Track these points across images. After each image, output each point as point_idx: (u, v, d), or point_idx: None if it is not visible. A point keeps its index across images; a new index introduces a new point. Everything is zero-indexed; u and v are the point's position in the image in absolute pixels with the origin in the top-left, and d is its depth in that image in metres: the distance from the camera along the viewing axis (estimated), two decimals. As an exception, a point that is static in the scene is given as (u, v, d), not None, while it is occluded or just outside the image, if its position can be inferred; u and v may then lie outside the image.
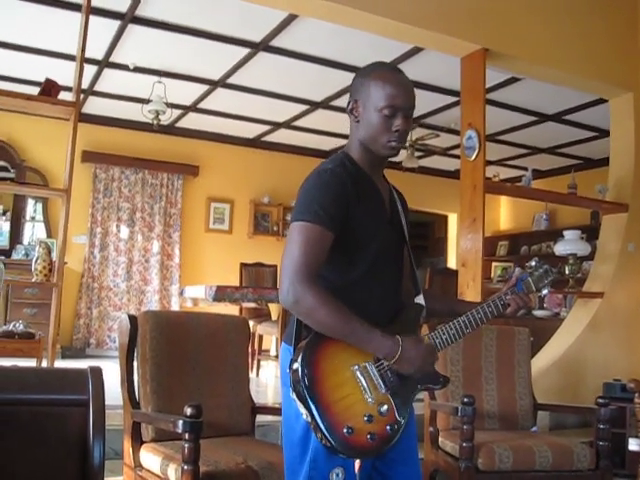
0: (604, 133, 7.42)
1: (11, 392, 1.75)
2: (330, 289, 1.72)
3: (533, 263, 2.03)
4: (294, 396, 1.68)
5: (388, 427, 1.73)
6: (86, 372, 1.87)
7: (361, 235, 1.81)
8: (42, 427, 1.75)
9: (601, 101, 6.48)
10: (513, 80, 6.48)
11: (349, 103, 1.88)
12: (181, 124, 8.53)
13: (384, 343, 1.70)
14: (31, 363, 4.37)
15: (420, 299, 1.96)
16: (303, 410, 1.66)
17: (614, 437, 3.46)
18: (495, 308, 1.93)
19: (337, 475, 1.73)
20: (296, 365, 1.69)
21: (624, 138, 5.82)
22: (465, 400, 3.08)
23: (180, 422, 2.28)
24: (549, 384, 4.97)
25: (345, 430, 1.66)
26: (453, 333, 1.88)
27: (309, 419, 1.66)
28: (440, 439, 3.51)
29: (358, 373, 1.73)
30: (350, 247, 1.80)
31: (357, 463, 1.74)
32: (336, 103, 7.44)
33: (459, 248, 5.26)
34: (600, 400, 3.32)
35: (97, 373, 1.88)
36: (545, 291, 2.01)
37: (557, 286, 7.66)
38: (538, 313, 7.88)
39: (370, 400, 1.72)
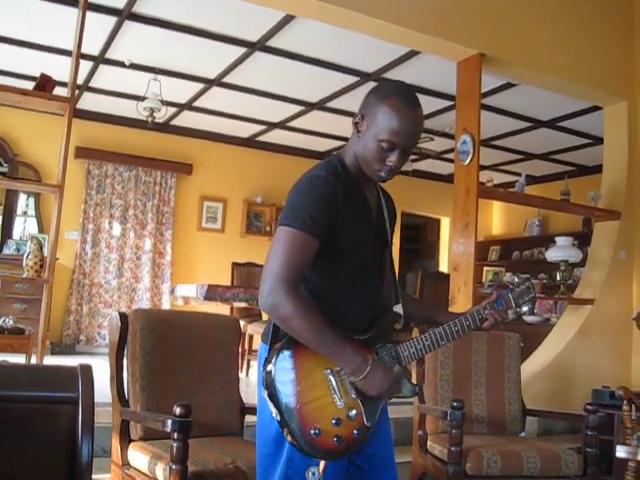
0: (598, 140, 7.44)
1: (1, 389, 1.74)
2: (311, 294, 1.79)
3: (516, 279, 2.05)
4: (266, 395, 1.73)
5: (355, 431, 1.77)
6: (76, 370, 1.87)
7: (347, 245, 1.83)
8: (32, 424, 1.74)
9: (595, 108, 6.51)
10: (508, 85, 6.49)
11: (357, 115, 1.85)
12: (176, 122, 8.51)
13: (353, 360, 1.74)
14: (20, 359, 4.36)
15: (398, 308, 1.99)
16: (274, 409, 1.71)
17: (602, 444, 3.47)
18: (472, 322, 1.97)
19: (313, 474, 1.75)
20: (270, 367, 1.74)
21: (618, 146, 5.84)
22: (454, 404, 3.09)
23: (169, 421, 2.27)
24: (538, 390, 4.98)
25: (312, 431, 1.70)
26: (428, 344, 1.91)
27: (279, 418, 1.71)
28: (429, 443, 3.52)
29: (330, 377, 1.76)
30: (335, 255, 1.83)
31: (322, 464, 1.76)
32: (331, 105, 7.44)
33: (451, 252, 5.27)
34: (589, 407, 3.34)
35: (87, 371, 1.87)
36: (525, 308, 2.05)
37: (548, 292, 7.70)
38: (529, 319, 7.90)
39: (339, 404, 1.76)
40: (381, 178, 1.86)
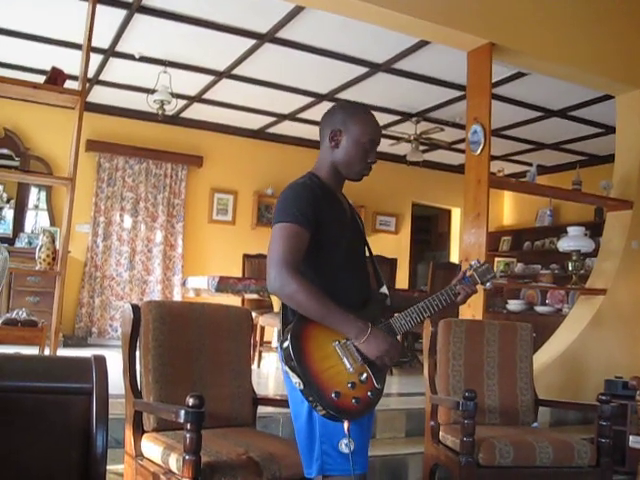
0: (610, 129, 7.39)
1: (16, 379, 1.76)
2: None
3: (473, 263, 2.36)
4: (287, 369, 1.99)
5: (369, 393, 2.03)
6: (90, 361, 1.88)
7: (332, 234, 2.13)
8: (46, 415, 1.75)
9: (607, 97, 6.46)
10: (519, 75, 6.45)
11: (331, 132, 2.20)
12: (186, 114, 8.52)
13: (355, 324, 2.01)
14: (34, 351, 4.37)
15: (384, 289, 2.29)
16: (296, 379, 1.96)
17: (615, 434, 3.47)
18: (447, 296, 2.25)
19: (346, 445, 1.99)
20: (286, 343, 1.99)
21: (630, 135, 5.80)
22: (466, 395, 3.09)
23: (182, 412, 2.28)
24: (551, 380, 4.97)
25: (333, 394, 1.96)
26: (415, 316, 2.18)
27: (302, 387, 1.96)
28: (441, 433, 3.52)
29: (338, 348, 2.02)
30: (323, 245, 2.10)
31: (346, 425, 1.97)
32: (341, 95, 7.42)
33: (462, 242, 5.25)
34: (602, 397, 3.32)
35: (101, 362, 1.88)
36: (489, 284, 2.34)
37: (560, 282, 7.66)
38: (540, 309, 7.90)
39: (351, 370, 2.01)
40: (363, 175, 2.25)
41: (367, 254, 2.35)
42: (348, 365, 2.01)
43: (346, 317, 2.00)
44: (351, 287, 2.17)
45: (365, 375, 2.03)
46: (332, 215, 2.16)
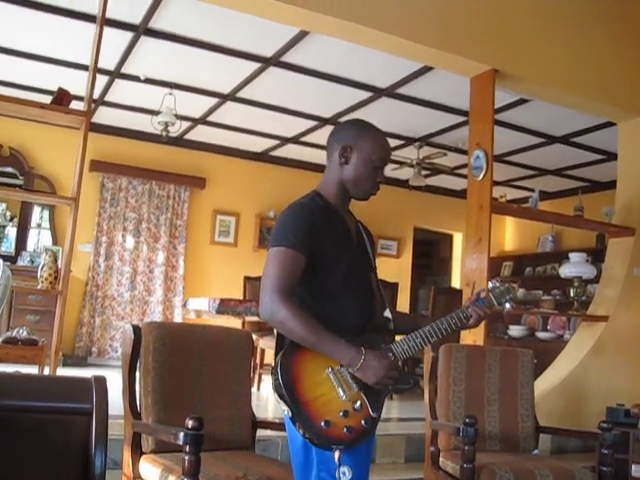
0: (612, 156, 7.42)
1: (16, 399, 1.75)
2: (304, 306, 2.01)
3: (490, 285, 2.25)
4: (276, 397, 1.94)
5: (363, 421, 1.97)
6: (90, 381, 1.87)
7: (330, 257, 2.08)
8: (45, 435, 1.75)
9: (609, 124, 6.49)
10: (522, 101, 6.49)
11: (341, 148, 2.14)
12: (190, 136, 8.56)
13: (347, 351, 1.95)
14: (33, 370, 4.36)
15: (387, 313, 2.21)
16: (285, 407, 1.92)
17: (617, 463, 3.43)
18: (458, 319, 2.15)
19: (344, 473, 1.93)
20: (275, 372, 1.96)
21: (632, 162, 5.82)
22: (467, 420, 3.07)
23: (181, 434, 2.27)
24: (552, 407, 4.94)
25: (323, 423, 1.91)
26: (419, 341, 2.10)
27: (290, 414, 1.92)
28: (441, 459, 3.49)
29: (331, 375, 1.98)
30: (320, 269, 2.06)
31: (336, 454, 1.92)
32: (344, 120, 7.44)
33: (464, 267, 5.25)
34: (603, 425, 3.30)
35: (101, 382, 1.88)
36: (507, 305, 2.25)
37: (561, 309, 7.65)
38: (542, 335, 7.87)
39: (344, 397, 1.96)
40: (371, 195, 2.20)
41: (374, 275, 2.26)
42: (341, 393, 1.96)
43: (338, 344, 1.95)
44: (351, 311, 2.10)
45: (359, 403, 1.97)
46: (332, 237, 2.10)
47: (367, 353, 1.96)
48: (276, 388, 1.94)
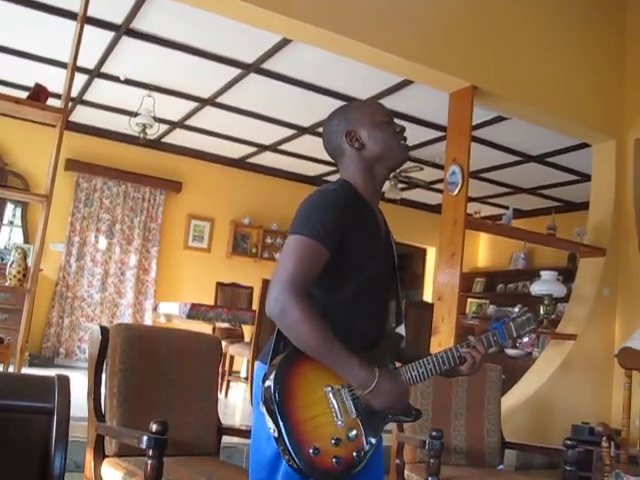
0: (585, 177, 7.51)
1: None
2: (317, 307, 1.70)
3: (517, 309, 2.01)
4: (264, 410, 1.65)
5: (354, 453, 1.69)
6: (53, 380, 1.84)
7: (356, 258, 1.80)
8: (5, 433, 1.71)
9: (584, 146, 6.57)
10: (499, 119, 6.56)
11: (347, 137, 1.90)
12: (167, 139, 8.52)
13: (360, 373, 1.67)
14: (-3, 369, 4.29)
15: (401, 329, 1.95)
16: (271, 425, 1.64)
17: (580, 480, 3.46)
18: (452, 358, 1.91)
19: None
20: (268, 382, 1.66)
21: (605, 184, 5.90)
22: (433, 434, 3.07)
23: (145, 438, 2.24)
24: (518, 423, 4.97)
25: (311, 450, 1.63)
26: (430, 368, 1.84)
27: (276, 434, 1.63)
28: (406, 472, 3.49)
29: (330, 395, 1.70)
30: (343, 269, 1.78)
31: None
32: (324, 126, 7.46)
33: (436, 282, 5.27)
34: (568, 442, 3.32)
35: (64, 382, 1.84)
36: (526, 338, 2.00)
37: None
38: (511, 352, 7.91)
39: (340, 423, 1.69)
40: (407, 147, 1.95)
41: (394, 285, 1.99)
42: (337, 417, 1.69)
43: (351, 361, 1.66)
44: (365, 321, 1.84)
45: (355, 432, 1.70)
46: (363, 234, 1.81)
47: (381, 375, 1.69)
48: (266, 401, 1.65)
